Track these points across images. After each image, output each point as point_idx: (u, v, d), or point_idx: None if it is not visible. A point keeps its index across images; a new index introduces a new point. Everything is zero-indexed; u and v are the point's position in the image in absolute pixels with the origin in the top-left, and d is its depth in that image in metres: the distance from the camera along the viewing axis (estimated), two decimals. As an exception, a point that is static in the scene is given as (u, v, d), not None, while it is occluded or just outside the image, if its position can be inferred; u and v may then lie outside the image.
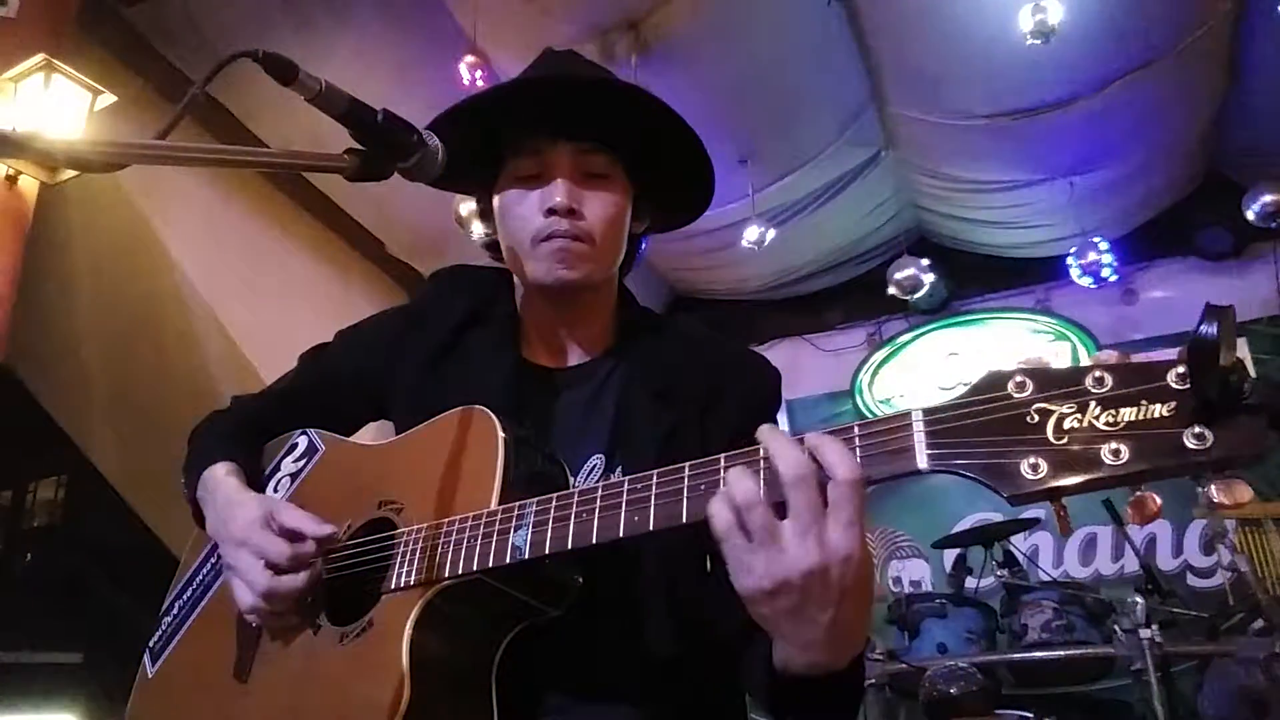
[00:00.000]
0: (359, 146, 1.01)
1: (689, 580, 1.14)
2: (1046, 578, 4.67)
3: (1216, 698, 3.39)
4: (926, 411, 0.75)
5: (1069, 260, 5.57)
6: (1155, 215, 5.75)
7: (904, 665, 3.66)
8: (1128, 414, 0.67)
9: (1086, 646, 3.54)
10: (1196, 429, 0.64)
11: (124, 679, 1.29)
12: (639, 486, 0.87)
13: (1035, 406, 0.70)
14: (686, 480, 0.84)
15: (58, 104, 3.46)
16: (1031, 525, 4.79)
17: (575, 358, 1.24)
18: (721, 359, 1.25)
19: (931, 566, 6.06)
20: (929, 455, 0.73)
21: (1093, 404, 0.68)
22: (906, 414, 0.76)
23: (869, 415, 5.29)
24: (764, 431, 0.80)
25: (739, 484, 0.77)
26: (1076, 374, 0.70)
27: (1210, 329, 0.62)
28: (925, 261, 5.87)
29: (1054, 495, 0.70)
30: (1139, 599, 3.30)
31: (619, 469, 1.13)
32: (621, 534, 0.86)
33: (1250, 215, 5.27)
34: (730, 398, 1.18)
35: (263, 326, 4.58)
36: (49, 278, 4.59)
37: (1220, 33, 4.51)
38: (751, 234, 5.34)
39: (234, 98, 4.59)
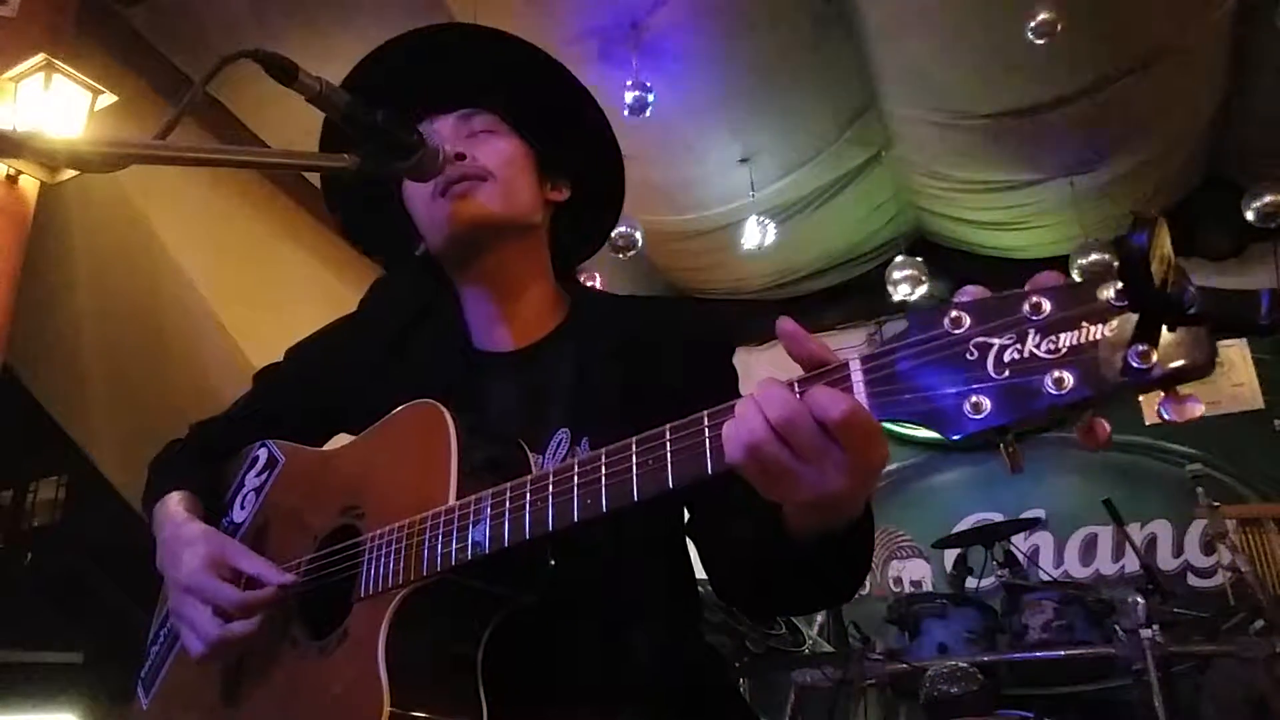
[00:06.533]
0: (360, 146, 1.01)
1: (677, 541, 1.15)
2: (1047, 578, 4.66)
3: (1217, 698, 3.39)
4: (865, 359, 0.72)
5: (1069, 260, 5.56)
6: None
7: (904, 665, 3.65)
8: (1068, 339, 0.62)
9: (1087, 647, 3.53)
10: (1140, 347, 0.59)
11: (124, 679, 1.29)
12: (589, 468, 0.85)
13: (974, 341, 0.66)
14: (635, 455, 0.82)
15: (58, 104, 3.46)
16: (1032, 525, 4.78)
17: (525, 340, 1.21)
18: (669, 314, 1.25)
19: (932, 566, 6.06)
20: (871, 405, 0.70)
21: (1032, 332, 0.64)
22: (845, 364, 0.73)
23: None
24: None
25: (776, 399, 0.71)
26: (1013, 301, 0.66)
27: (1140, 240, 0.56)
28: (924, 262, 5.87)
29: (1000, 433, 0.66)
30: (1139, 599, 3.29)
31: (584, 440, 1.11)
32: (576, 517, 0.85)
33: (1250, 215, 5.27)
34: (683, 348, 1.18)
35: (263, 326, 4.57)
36: (49, 277, 4.59)
37: (1220, 33, 4.51)
38: (751, 233, 5.33)
39: (234, 97, 4.59)
